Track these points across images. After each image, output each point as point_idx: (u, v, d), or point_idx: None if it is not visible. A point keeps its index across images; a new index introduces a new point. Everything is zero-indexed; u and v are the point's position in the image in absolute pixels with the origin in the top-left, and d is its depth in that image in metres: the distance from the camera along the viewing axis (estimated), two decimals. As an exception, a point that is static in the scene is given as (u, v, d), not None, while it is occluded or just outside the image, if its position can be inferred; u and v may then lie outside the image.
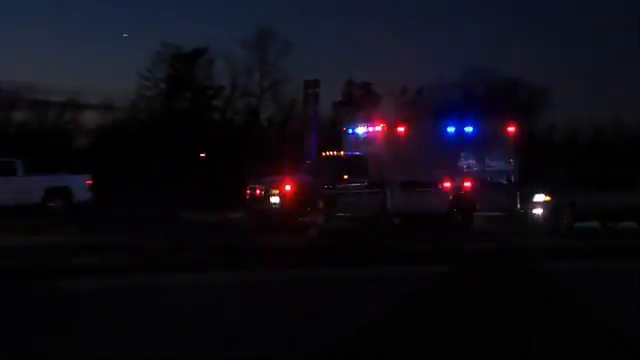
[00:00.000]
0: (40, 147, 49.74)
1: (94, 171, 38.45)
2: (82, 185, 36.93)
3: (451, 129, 33.37)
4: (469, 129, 33.13)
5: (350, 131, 35.01)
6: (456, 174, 32.52)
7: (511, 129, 33.62)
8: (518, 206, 32.29)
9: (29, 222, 30.44)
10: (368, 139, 33.70)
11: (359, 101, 64.61)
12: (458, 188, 32.40)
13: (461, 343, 10.52)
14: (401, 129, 32.91)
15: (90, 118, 64.45)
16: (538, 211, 32.50)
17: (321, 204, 30.74)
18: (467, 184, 32.47)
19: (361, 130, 34.29)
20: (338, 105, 66.56)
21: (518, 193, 32.62)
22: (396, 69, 63.47)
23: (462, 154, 32.75)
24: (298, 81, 50.89)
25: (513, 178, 33.16)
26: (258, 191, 32.22)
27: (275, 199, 30.83)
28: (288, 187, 30.91)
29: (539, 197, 32.51)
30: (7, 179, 35.00)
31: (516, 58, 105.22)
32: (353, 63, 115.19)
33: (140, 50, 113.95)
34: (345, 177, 31.45)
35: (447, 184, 32.37)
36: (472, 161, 32.77)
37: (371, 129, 33.74)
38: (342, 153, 33.43)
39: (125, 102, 62.89)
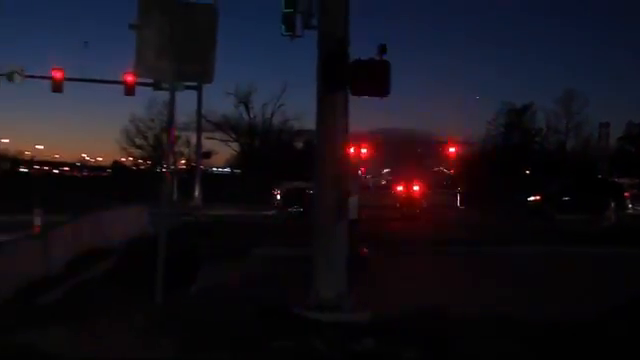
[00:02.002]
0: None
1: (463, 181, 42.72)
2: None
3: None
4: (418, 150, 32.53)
5: None
6: (408, 180, 32.36)
7: (452, 149, 34.39)
8: (458, 204, 30.80)
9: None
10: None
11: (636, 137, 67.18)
12: (408, 190, 32.14)
13: None
14: (364, 150, 34.59)
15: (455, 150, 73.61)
16: None
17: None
18: (416, 187, 32.25)
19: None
20: (621, 139, 68.44)
21: (458, 194, 31.62)
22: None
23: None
24: (594, 122, 56.82)
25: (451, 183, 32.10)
26: (273, 192, 33.94)
27: (278, 197, 32.83)
28: (285, 190, 32.63)
29: None
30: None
31: None
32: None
33: (487, 105, 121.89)
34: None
35: (399, 187, 32.73)
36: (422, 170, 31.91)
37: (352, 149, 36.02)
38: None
39: (479, 139, 71.35)
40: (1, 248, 10.67)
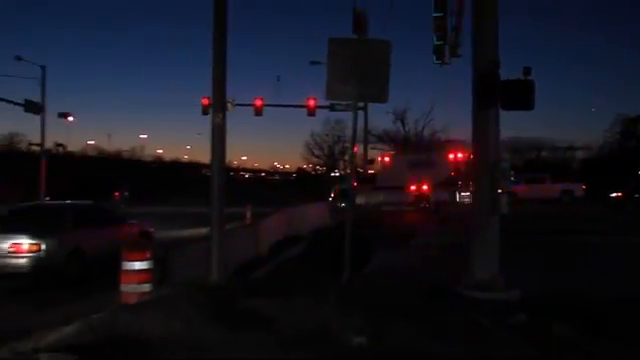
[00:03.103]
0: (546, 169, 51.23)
1: (585, 181, 39.93)
2: (578, 188, 38.29)
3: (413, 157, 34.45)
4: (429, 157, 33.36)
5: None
6: (418, 182, 31.98)
7: (451, 155, 32.79)
8: (457, 200, 30.18)
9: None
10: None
11: None
12: (419, 189, 32.00)
13: None
14: (387, 158, 34.91)
15: (578, 154, 69.22)
16: None
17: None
18: (425, 187, 31.84)
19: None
20: None
21: (457, 193, 30.71)
22: None
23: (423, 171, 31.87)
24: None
25: (458, 184, 31.10)
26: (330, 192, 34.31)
27: (332, 195, 32.86)
28: (335, 190, 33.46)
29: None
30: (540, 185, 38.05)
31: None
32: None
33: (603, 115, 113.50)
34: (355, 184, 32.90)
35: (412, 187, 32.10)
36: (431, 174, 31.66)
37: (379, 158, 36.49)
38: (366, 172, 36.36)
39: (596, 144, 66.70)
40: (228, 235, 10.99)
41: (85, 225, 12.16)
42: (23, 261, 10.61)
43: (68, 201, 14.96)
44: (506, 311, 6.80)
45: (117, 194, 31.32)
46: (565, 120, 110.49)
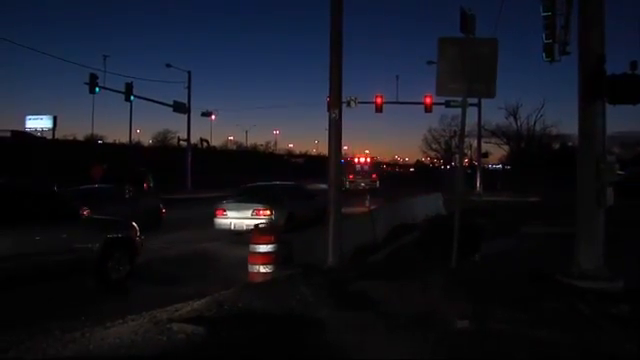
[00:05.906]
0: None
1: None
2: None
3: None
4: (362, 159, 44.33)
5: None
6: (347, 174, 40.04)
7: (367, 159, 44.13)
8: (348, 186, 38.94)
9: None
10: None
11: None
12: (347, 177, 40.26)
13: None
14: (342, 160, 39.50)
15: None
16: None
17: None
18: (349, 176, 40.95)
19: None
20: None
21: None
22: None
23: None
24: None
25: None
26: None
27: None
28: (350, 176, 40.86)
29: None
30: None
31: None
32: None
33: None
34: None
35: (350, 176, 41.23)
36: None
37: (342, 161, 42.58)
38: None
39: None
40: (346, 221, 11.19)
41: (294, 198, 16.05)
42: (261, 222, 12.90)
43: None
44: (608, 301, 6.47)
45: (146, 185, 29.24)
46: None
